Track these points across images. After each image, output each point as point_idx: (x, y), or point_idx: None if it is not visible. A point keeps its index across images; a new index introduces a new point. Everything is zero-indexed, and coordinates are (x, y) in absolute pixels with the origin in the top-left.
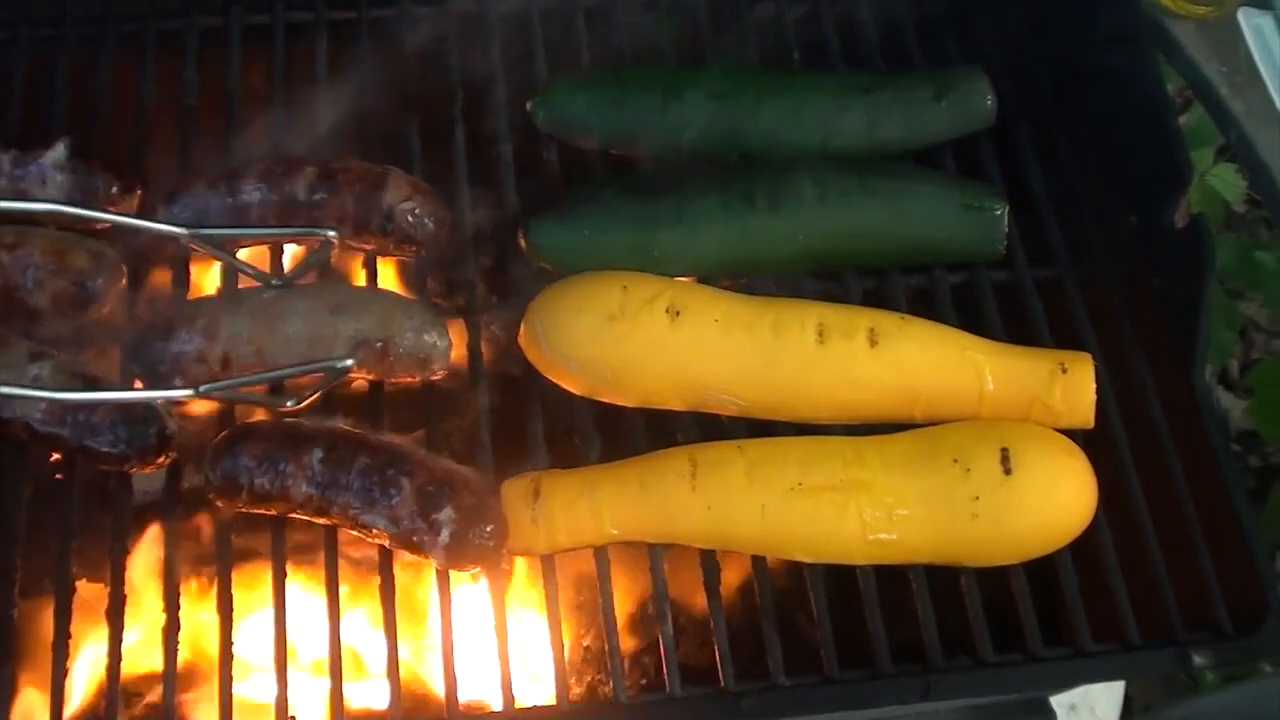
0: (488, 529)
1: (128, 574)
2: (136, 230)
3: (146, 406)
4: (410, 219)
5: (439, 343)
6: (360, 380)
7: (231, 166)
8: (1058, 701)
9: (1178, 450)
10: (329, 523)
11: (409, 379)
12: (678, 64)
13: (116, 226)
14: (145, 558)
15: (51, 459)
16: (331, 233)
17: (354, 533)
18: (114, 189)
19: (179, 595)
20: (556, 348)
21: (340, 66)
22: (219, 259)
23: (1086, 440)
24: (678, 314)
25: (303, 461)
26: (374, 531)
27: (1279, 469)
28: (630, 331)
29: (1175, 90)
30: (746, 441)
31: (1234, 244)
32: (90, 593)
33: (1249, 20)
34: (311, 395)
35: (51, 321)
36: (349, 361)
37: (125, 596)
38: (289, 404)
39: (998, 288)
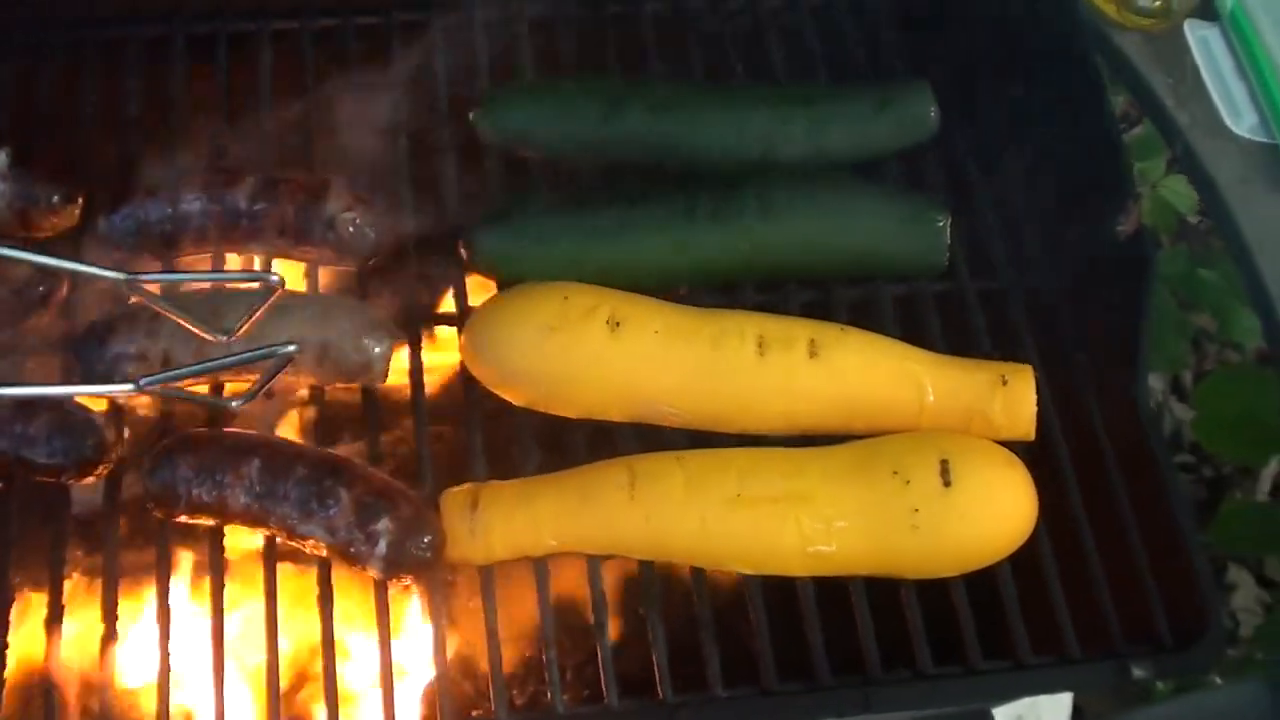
0: (425, 540)
1: (67, 583)
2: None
3: (85, 418)
4: (351, 229)
5: (378, 347)
6: (300, 388)
7: (173, 176)
8: (1003, 712)
9: (1119, 463)
10: (267, 533)
11: (348, 384)
12: (621, 75)
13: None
14: (85, 567)
15: None
16: (275, 277)
17: (292, 543)
18: (55, 198)
19: (117, 605)
20: (497, 359)
21: (283, 76)
22: (158, 310)
23: (1027, 452)
24: (618, 325)
25: (240, 472)
26: (311, 542)
27: (1231, 480)
28: (570, 343)
29: (1126, 102)
30: (685, 453)
31: (1185, 256)
32: (30, 602)
33: (1195, 32)
34: (259, 388)
35: None
36: (292, 347)
37: (64, 606)
38: (234, 404)
39: (939, 299)
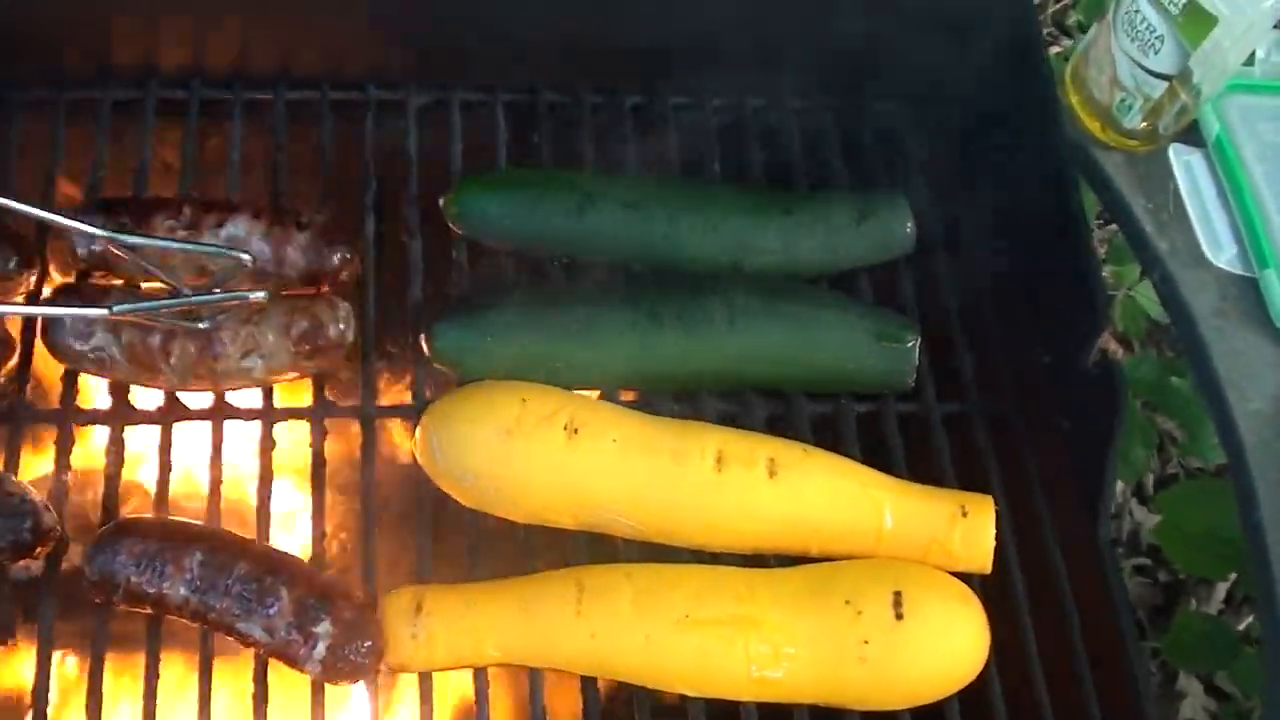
0: (365, 645)
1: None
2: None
3: (23, 500)
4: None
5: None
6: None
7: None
8: None
9: (1076, 600)
10: (205, 627)
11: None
12: (595, 168)
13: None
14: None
15: None
16: (245, 256)
17: (230, 639)
18: (12, 264)
19: (49, 690)
20: (450, 458)
21: (253, 148)
22: (133, 261)
23: (982, 584)
24: (576, 431)
25: (182, 564)
26: (250, 639)
27: (1186, 585)
28: (527, 447)
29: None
30: (635, 567)
31: (1154, 363)
32: None
33: (1179, 157)
34: (226, 305)
35: None
36: (261, 294)
37: None
38: (202, 325)
39: (904, 419)
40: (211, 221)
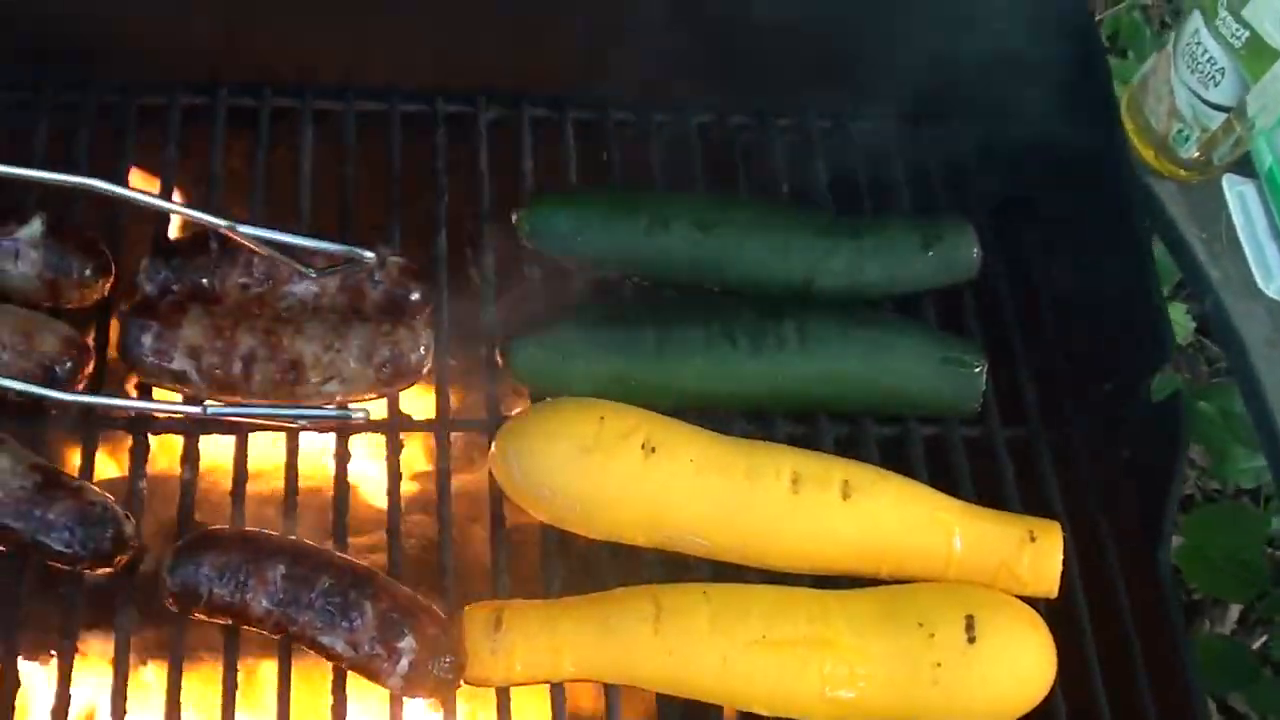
0: (447, 661)
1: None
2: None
3: (104, 509)
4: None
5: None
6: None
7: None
8: None
9: (1137, 626)
10: (286, 639)
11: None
12: (666, 188)
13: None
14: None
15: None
16: (369, 254)
17: (311, 651)
18: (87, 271)
19: (125, 700)
20: (527, 474)
21: (324, 158)
22: (259, 251)
23: (1047, 607)
24: (653, 450)
25: (265, 576)
26: (332, 653)
27: (1201, 606)
28: (604, 464)
29: None
30: (712, 586)
31: (1177, 384)
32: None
33: (1232, 187)
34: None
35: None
36: (362, 414)
37: (70, 696)
38: (299, 423)
39: (969, 443)
40: (284, 276)
